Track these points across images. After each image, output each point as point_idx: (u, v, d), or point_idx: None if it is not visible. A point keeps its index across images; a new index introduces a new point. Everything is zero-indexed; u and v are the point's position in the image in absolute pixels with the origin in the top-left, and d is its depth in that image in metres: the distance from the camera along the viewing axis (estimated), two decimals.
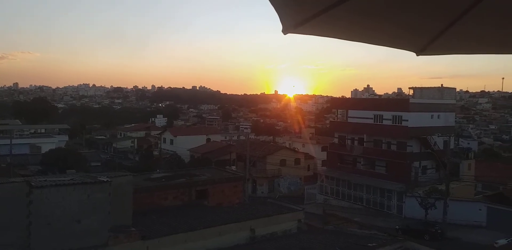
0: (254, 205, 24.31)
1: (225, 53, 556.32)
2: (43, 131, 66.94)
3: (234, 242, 18.13)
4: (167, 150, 65.63)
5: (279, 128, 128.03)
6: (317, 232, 21.29)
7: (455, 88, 50.18)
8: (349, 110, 44.79)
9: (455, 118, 52.12)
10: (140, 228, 16.17)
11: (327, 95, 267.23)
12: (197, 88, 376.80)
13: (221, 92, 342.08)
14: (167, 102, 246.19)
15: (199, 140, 64.68)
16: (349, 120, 44.38)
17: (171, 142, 68.00)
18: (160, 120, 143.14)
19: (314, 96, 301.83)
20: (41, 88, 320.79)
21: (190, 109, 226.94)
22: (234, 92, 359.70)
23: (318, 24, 1.68)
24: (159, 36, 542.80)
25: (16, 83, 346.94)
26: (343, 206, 39.92)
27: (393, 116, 39.86)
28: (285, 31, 1.67)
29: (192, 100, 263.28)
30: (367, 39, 1.90)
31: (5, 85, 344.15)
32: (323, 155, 49.85)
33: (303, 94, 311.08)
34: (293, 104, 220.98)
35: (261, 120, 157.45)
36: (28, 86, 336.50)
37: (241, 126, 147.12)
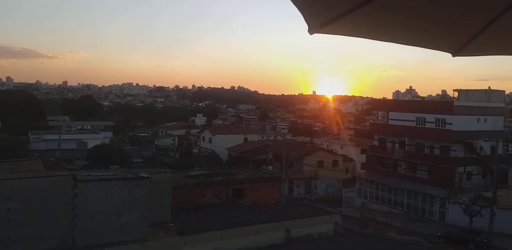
0: (290, 206, 24.22)
1: (263, 54, 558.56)
2: (89, 127, 70.21)
3: (270, 242, 18.16)
4: (206, 148, 66.71)
5: (317, 129, 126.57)
6: (355, 236, 20.89)
7: (504, 91, 47.49)
8: (390, 112, 43.61)
9: (504, 122, 49.41)
10: (178, 224, 16.56)
11: (367, 97, 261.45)
12: (236, 88, 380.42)
13: (259, 92, 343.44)
14: (207, 102, 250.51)
15: (236, 139, 65.22)
16: (390, 122, 43.21)
17: (210, 140, 69.07)
18: (200, 119, 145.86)
19: (353, 97, 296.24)
20: (88, 86, 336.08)
21: (229, 109, 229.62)
22: (271, 93, 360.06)
23: (346, 24, 1.63)
24: (200, 37, 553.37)
25: (65, 81, 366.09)
26: (382, 211, 38.90)
27: (436, 119, 38.37)
28: (311, 31, 1.65)
29: (230, 100, 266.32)
30: (398, 39, 1.82)
31: (55, 83, 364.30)
32: (362, 158, 48.86)
33: (342, 95, 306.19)
34: (331, 105, 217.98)
35: (299, 121, 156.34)
36: (76, 85, 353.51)
37: (278, 126, 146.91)
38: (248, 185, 23.60)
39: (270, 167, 46.86)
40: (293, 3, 1.51)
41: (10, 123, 60.89)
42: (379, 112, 47.01)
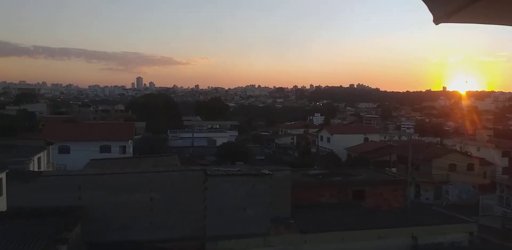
0: (416, 212, 22.63)
1: (384, 49, 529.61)
2: (218, 126, 75.87)
3: (393, 248, 17.20)
4: (324, 147, 66.30)
5: (448, 128, 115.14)
6: (494, 248, 18.47)
7: None
8: None
9: None
10: (298, 222, 16.83)
11: (509, 92, 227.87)
12: (355, 86, 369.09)
13: (380, 89, 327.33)
14: (324, 101, 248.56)
15: (356, 139, 63.33)
16: None
17: (328, 139, 68.41)
18: (318, 119, 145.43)
19: (492, 93, 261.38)
20: (216, 89, 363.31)
21: (347, 108, 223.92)
22: (395, 90, 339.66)
23: (475, 10, 1.45)
24: (316, 36, 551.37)
25: (197, 85, 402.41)
26: None
27: None
28: (436, 21, 1.51)
29: (349, 99, 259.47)
30: None
31: (188, 87, 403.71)
32: (504, 161, 43.00)
33: (478, 90, 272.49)
34: (465, 102, 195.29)
35: (426, 120, 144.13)
36: (206, 88, 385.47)
37: (402, 126, 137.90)
38: (369, 186, 22.75)
39: (393, 169, 44.29)
40: None
41: (152, 123, 69.43)
42: None
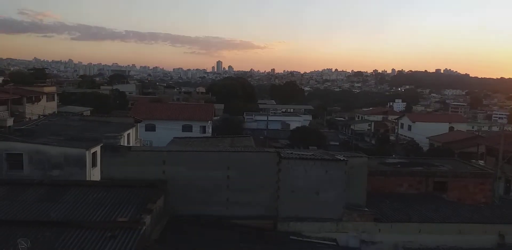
0: (505, 208, 20.82)
1: (476, 30, 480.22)
2: (291, 110, 75.99)
3: (476, 245, 16.10)
4: (404, 135, 63.44)
5: None
6: None
7: None
8: None
9: None
10: (373, 210, 16.44)
11: None
12: (441, 71, 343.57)
13: (470, 75, 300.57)
14: (407, 87, 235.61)
15: (440, 128, 59.48)
16: None
17: (409, 127, 65.23)
18: (399, 105, 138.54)
19: None
20: (291, 73, 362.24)
21: (432, 94, 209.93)
22: (487, 76, 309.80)
23: None
24: (399, 17, 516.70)
25: (273, 69, 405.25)
26: None
27: None
28: None
29: (434, 85, 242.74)
30: None
31: (265, 71, 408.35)
32: None
33: None
34: None
35: None
36: (282, 72, 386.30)
37: (494, 115, 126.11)
38: (452, 179, 21.33)
39: (481, 162, 40.89)
40: None
41: (230, 105, 71.65)
42: None
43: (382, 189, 19.80)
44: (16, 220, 11.90)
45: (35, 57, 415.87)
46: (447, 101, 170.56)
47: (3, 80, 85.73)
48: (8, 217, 12.01)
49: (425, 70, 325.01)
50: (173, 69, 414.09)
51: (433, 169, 22.59)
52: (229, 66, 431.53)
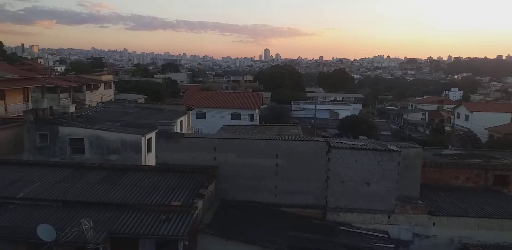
0: None
1: None
2: (341, 99, 74.42)
3: None
4: (460, 126, 60.23)
5: None
6: None
7: None
8: None
9: None
10: (427, 203, 15.86)
11: None
12: (503, 57, 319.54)
13: None
14: (464, 74, 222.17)
15: (501, 118, 55.62)
16: None
17: (466, 117, 61.74)
18: (455, 94, 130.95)
19: None
20: (341, 60, 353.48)
21: (492, 83, 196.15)
22: None
23: None
24: (454, 0, 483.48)
25: (322, 56, 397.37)
26: None
27: None
28: None
29: (495, 72, 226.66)
30: None
31: (313, 58, 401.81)
32: None
33: None
34: None
35: None
36: (331, 59, 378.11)
37: None
38: None
39: None
40: None
41: (277, 94, 71.44)
42: None
43: (437, 181, 19.00)
44: (79, 200, 12.77)
45: (92, 47, 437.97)
46: (509, 90, 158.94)
47: (65, 69, 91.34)
48: (72, 198, 12.90)
49: (485, 57, 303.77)
50: (222, 57, 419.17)
51: (494, 161, 21.29)
52: (277, 54, 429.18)
